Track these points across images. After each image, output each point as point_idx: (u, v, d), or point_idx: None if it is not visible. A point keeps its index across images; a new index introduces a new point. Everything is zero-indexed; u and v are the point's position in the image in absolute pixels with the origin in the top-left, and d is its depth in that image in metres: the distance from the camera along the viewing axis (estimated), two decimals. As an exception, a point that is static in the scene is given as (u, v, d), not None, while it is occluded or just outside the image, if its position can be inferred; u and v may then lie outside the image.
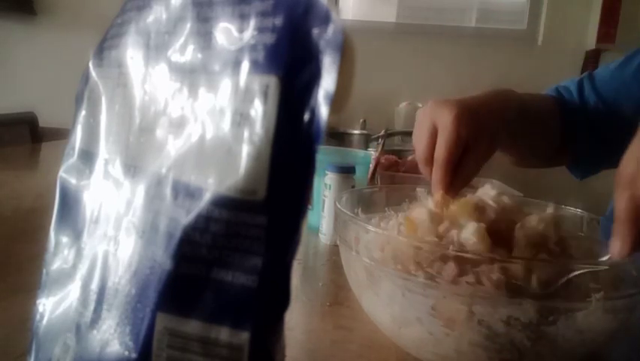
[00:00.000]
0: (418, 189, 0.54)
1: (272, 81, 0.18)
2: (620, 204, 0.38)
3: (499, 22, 2.33)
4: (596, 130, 0.69)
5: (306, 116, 0.17)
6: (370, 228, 0.39)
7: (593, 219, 0.48)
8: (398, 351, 0.39)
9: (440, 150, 0.50)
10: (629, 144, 0.67)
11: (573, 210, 0.50)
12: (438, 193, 0.49)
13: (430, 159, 0.51)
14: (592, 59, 2.15)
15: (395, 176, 0.94)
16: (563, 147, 0.71)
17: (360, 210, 0.49)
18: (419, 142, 0.53)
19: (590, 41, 2.17)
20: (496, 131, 0.54)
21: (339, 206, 0.44)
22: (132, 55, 0.24)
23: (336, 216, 0.46)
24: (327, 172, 0.66)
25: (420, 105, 2.07)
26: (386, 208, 0.52)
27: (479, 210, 0.41)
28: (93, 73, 0.27)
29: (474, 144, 0.50)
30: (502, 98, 0.58)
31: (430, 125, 0.51)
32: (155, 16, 0.23)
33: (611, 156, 0.69)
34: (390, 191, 0.56)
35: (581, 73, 2.22)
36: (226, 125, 0.19)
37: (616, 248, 0.39)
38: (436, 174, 0.50)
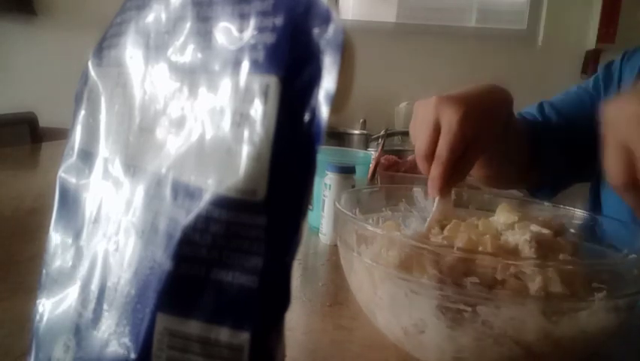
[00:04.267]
0: (414, 189, 0.54)
1: (272, 81, 0.17)
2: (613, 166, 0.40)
3: (499, 22, 2.33)
4: (559, 144, 0.71)
5: (307, 117, 0.17)
6: (374, 229, 0.39)
7: (592, 219, 0.48)
8: (398, 351, 0.39)
9: (443, 148, 0.49)
10: (592, 158, 0.68)
11: (571, 210, 0.49)
12: (434, 194, 0.50)
13: (430, 155, 0.51)
14: (592, 59, 2.16)
15: (395, 176, 0.93)
16: (530, 169, 0.73)
17: (358, 210, 0.49)
18: (420, 137, 0.52)
19: (590, 41, 2.17)
20: (496, 127, 0.54)
21: (338, 206, 0.44)
22: (132, 54, 0.24)
23: (335, 217, 0.46)
24: (327, 172, 0.66)
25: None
26: (383, 208, 0.52)
27: None
28: (92, 72, 0.27)
29: (474, 142, 0.51)
30: (502, 98, 0.58)
31: (434, 121, 0.51)
32: (155, 15, 0.23)
33: (577, 170, 0.73)
34: (390, 191, 0.56)
35: (581, 73, 2.23)
36: (226, 125, 0.18)
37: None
38: (436, 170, 0.50)
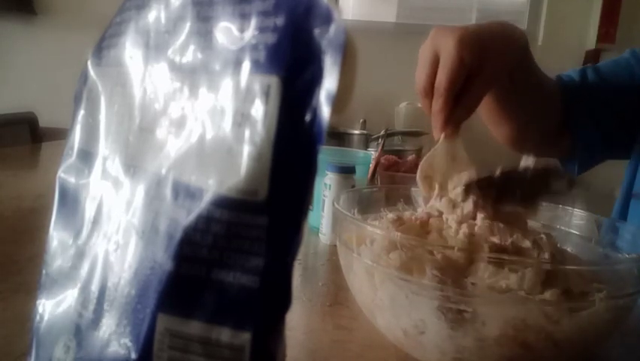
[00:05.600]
0: (412, 189, 0.54)
1: (273, 81, 0.17)
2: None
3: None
4: (596, 110, 0.65)
5: (308, 117, 0.17)
6: (374, 230, 0.39)
7: (591, 219, 0.48)
8: (398, 351, 0.39)
9: (441, 77, 0.47)
10: (632, 132, 0.64)
11: (570, 210, 0.49)
12: (439, 132, 0.47)
13: (430, 90, 0.48)
14: (592, 59, 2.15)
15: (395, 176, 0.93)
16: (561, 136, 0.68)
17: (356, 210, 0.49)
18: (419, 72, 0.50)
19: (590, 41, 2.17)
20: (501, 57, 0.50)
21: (337, 206, 0.44)
22: (131, 54, 0.24)
23: (335, 217, 0.46)
24: (327, 172, 0.66)
25: (420, 105, 2.07)
26: (382, 209, 0.52)
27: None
28: (92, 72, 0.27)
29: (478, 70, 0.48)
30: (508, 31, 0.53)
31: (432, 53, 0.48)
32: (155, 15, 0.23)
33: (612, 143, 0.68)
34: (390, 191, 0.56)
35: (581, 73, 2.22)
36: (227, 125, 0.18)
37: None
38: (436, 104, 0.47)
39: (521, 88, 0.58)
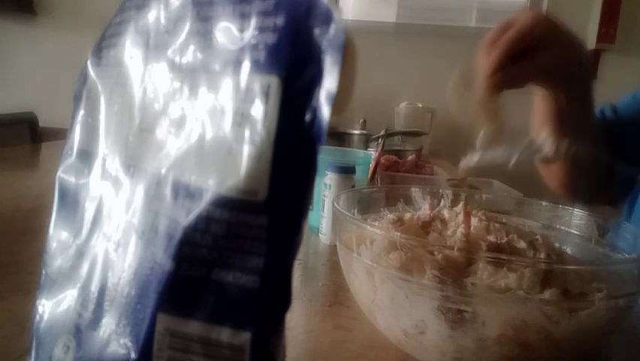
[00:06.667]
0: (412, 190, 0.54)
1: (273, 81, 0.17)
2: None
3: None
4: (613, 147, 0.67)
5: (308, 117, 0.17)
6: (374, 230, 0.39)
7: (592, 219, 0.48)
8: (398, 351, 0.39)
9: (508, 34, 0.50)
10: None
11: (571, 210, 0.50)
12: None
13: (493, 43, 0.51)
14: (592, 59, 2.15)
15: (395, 176, 0.94)
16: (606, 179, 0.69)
17: (356, 210, 0.49)
18: (490, 32, 0.52)
19: (590, 41, 2.16)
20: (563, 50, 0.53)
21: (337, 206, 0.44)
22: (131, 54, 0.24)
23: (334, 217, 0.46)
24: (327, 172, 0.66)
25: (420, 105, 2.07)
26: (382, 209, 0.52)
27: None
28: (91, 72, 0.27)
29: (539, 50, 0.50)
30: (578, 37, 0.56)
31: (508, 23, 0.52)
32: (155, 15, 0.23)
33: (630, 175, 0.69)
34: (390, 191, 0.56)
35: (581, 73, 2.23)
36: (227, 125, 0.18)
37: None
38: (492, 52, 0.50)
39: (575, 103, 0.59)
